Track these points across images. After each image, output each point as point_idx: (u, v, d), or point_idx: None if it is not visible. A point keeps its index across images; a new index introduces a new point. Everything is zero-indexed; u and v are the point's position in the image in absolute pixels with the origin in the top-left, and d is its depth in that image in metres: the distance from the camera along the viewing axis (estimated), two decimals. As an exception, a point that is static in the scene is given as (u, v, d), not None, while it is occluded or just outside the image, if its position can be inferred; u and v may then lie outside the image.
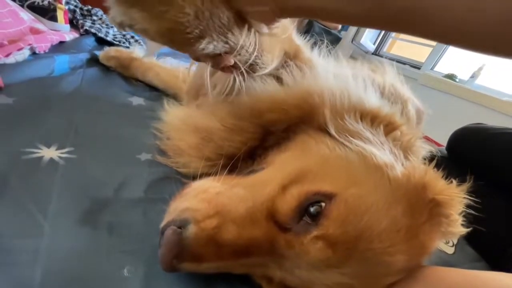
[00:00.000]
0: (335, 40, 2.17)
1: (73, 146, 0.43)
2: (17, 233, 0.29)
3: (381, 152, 0.34)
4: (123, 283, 0.29)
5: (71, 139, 0.44)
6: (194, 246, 0.28)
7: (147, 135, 0.50)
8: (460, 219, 0.34)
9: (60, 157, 0.40)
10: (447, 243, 0.63)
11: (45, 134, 0.43)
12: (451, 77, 1.91)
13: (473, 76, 1.85)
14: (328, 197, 0.30)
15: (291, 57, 0.46)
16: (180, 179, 0.44)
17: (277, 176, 0.33)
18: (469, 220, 0.35)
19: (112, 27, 1.02)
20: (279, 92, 0.40)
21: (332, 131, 0.37)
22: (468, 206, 0.34)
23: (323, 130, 0.38)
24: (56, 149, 0.41)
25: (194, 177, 0.40)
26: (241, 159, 0.41)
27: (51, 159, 0.39)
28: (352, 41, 2.28)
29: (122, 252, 0.32)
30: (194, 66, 0.57)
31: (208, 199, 0.31)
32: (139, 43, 0.98)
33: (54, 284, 0.27)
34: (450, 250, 0.61)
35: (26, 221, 0.31)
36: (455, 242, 0.63)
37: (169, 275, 0.31)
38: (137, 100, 0.64)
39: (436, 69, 2.10)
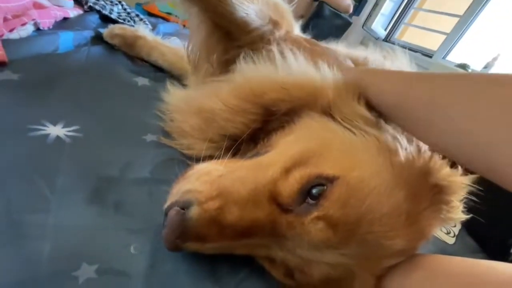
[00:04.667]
0: (345, 25, 2.10)
1: (79, 124, 0.43)
2: (26, 208, 0.30)
3: (384, 136, 0.34)
4: (130, 259, 0.30)
5: (77, 118, 0.44)
6: (197, 227, 0.28)
7: (152, 116, 0.50)
8: (461, 206, 0.35)
9: (66, 135, 0.40)
10: (448, 233, 0.63)
11: (51, 111, 0.43)
12: (463, 66, 1.84)
13: (487, 67, 1.78)
14: (330, 180, 0.30)
15: (278, 28, 0.49)
16: (185, 160, 0.44)
17: (280, 159, 0.33)
18: (470, 209, 0.36)
19: (116, 4, 0.99)
20: (279, 72, 0.40)
21: (336, 115, 0.37)
22: (471, 195, 0.34)
23: (327, 113, 0.38)
24: (63, 127, 0.41)
25: (198, 159, 0.40)
26: (245, 141, 0.41)
27: (58, 137, 0.39)
28: (362, 27, 2.20)
29: (129, 230, 0.32)
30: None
31: (210, 181, 0.31)
32: (144, 21, 0.96)
33: (62, 257, 0.27)
34: (451, 240, 0.62)
35: (35, 197, 0.31)
36: (456, 232, 0.64)
37: (175, 253, 0.32)
38: (142, 81, 0.63)
39: (448, 58, 2.03)
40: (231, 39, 0.50)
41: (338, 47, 0.60)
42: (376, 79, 0.37)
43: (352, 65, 0.49)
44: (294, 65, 0.41)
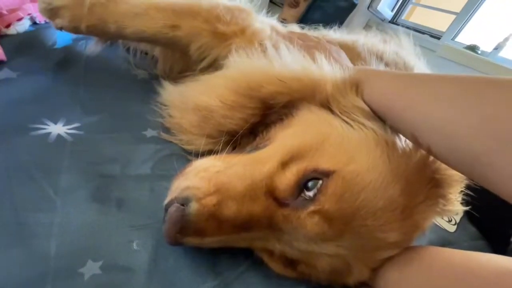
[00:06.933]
0: (350, 7, 2.02)
1: (79, 122, 0.43)
2: (31, 208, 0.31)
3: (382, 128, 0.34)
4: (133, 255, 0.31)
5: (77, 115, 0.44)
6: (196, 222, 0.29)
7: (152, 110, 0.50)
8: (459, 198, 0.35)
9: (67, 133, 0.41)
10: (449, 221, 0.63)
11: (52, 109, 0.43)
12: (472, 48, 1.78)
13: (497, 48, 1.71)
14: (326, 174, 0.30)
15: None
16: (185, 155, 0.44)
17: (277, 154, 0.33)
18: (471, 198, 0.36)
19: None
20: (275, 65, 0.40)
21: (334, 107, 0.36)
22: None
23: (325, 106, 0.38)
24: (63, 125, 0.42)
25: (198, 154, 0.41)
26: (244, 135, 0.41)
27: (59, 135, 0.40)
28: (368, 8, 2.12)
29: (131, 227, 0.33)
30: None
31: (208, 178, 0.31)
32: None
33: (68, 255, 0.29)
34: (452, 228, 0.62)
35: (39, 197, 0.32)
36: (457, 220, 0.64)
37: (176, 248, 0.33)
38: (142, 74, 0.63)
39: (457, 39, 1.96)
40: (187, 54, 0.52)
41: (329, 33, 0.59)
42: (369, 78, 0.37)
43: (347, 60, 0.48)
44: (288, 58, 0.40)
